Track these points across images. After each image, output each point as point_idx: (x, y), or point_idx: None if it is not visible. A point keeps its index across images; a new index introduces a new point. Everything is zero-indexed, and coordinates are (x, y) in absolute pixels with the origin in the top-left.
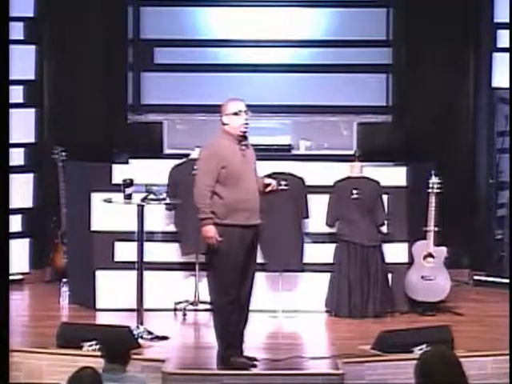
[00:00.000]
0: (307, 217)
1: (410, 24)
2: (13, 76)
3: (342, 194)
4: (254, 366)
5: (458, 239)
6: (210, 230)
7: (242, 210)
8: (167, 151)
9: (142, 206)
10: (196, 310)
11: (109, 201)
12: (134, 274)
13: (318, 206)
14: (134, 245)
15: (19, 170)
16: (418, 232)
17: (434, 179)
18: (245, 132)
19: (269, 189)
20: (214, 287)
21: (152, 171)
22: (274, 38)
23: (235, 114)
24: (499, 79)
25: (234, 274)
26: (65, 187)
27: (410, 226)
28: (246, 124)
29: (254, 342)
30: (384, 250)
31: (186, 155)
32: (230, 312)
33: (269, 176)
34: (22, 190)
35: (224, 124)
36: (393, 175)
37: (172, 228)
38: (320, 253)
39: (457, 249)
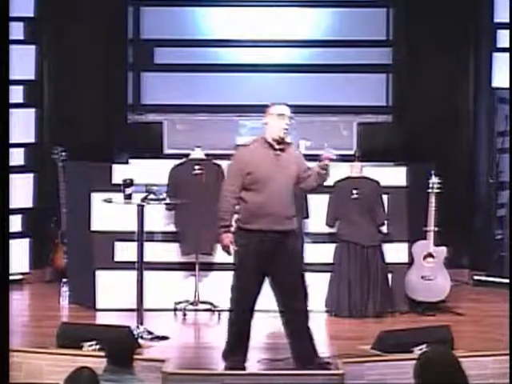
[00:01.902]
0: (307, 217)
1: (410, 24)
2: (13, 76)
3: (341, 194)
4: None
5: (457, 239)
6: (225, 239)
7: (264, 216)
8: (167, 151)
9: (142, 205)
10: (196, 310)
11: (109, 201)
12: (134, 274)
13: (318, 206)
14: (134, 245)
15: (19, 169)
16: (418, 232)
17: (434, 179)
18: (283, 136)
19: (325, 162)
20: (232, 289)
21: (152, 171)
22: (274, 38)
23: (278, 115)
24: (499, 79)
25: (248, 280)
26: (65, 187)
27: (410, 225)
28: (286, 129)
29: (254, 342)
30: (384, 250)
31: (186, 155)
32: (238, 315)
33: None
34: (22, 190)
35: (265, 126)
36: (393, 175)
37: (172, 228)
38: (320, 253)
39: (457, 249)
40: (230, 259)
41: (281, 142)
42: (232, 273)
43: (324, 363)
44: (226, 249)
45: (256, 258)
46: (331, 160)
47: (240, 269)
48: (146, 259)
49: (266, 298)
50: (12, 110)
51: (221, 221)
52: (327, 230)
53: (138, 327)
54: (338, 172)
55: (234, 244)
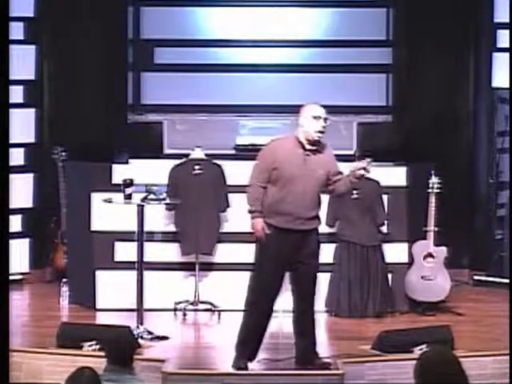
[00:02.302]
0: None
1: (410, 24)
2: (13, 76)
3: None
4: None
5: (458, 239)
6: (257, 224)
7: (282, 213)
8: (167, 151)
9: (142, 205)
10: (196, 310)
11: (109, 201)
12: (134, 273)
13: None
14: (134, 245)
15: (19, 169)
16: (418, 232)
17: (434, 179)
18: (318, 138)
19: (361, 172)
20: (249, 284)
21: (152, 171)
22: (274, 38)
23: (314, 117)
24: (499, 79)
25: (266, 275)
26: (65, 187)
27: (410, 225)
28: (322, 131)
29: None
30: (384, 250)
31: (186, 155)
32: (250, 312)
33: None
34: (22, 190)
35: (299, 125)
36: (393, 175)
37: (172, 228)
38: (320, 253)
39: (457, 249)
40: (230, 259)
41: (314, 143)
42: (250, 271)
43: (325, 364)
44: (258, 233)
45: (274, 255)
46: (367, 171)
47: (260, 264)
48: (146, 259)
49: None
50: (12, 110)
51: (250, 206)
52: (327, 229)
53: (138, 327)
54: None
55: (265, 228)
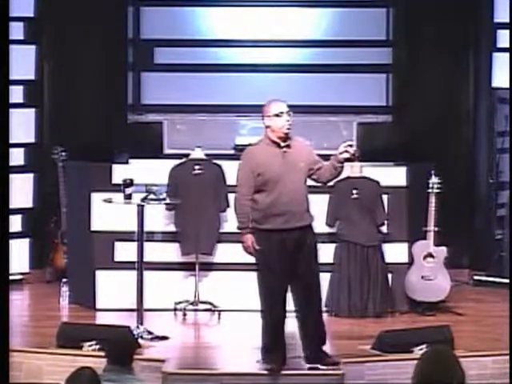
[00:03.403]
0: None
1: (410, 24)
2: (13, 76)
3: (341, 193)
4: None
5: (458, 239)
6: (247, 240)
7: (278, 215)
8: (167, 151)
9: (142, 205)
10: (196, 310)
11: (109, 201)
12: (134, 273)
13: (318, 205)
14: (134, 245)
15: (19, 169)
16: (418, 232)
17: (434, 179)
18: (287, 133)
19: (344, 156)
20: (259, 291)
21: (152, 171)
22: (274, 38)
23: (276, 115)
24: (499, 79)
25: (274, 279)
26: (65, 187)
27: (410, 225)
28: (289, 125)
29: (254, 342)
30: (384, 250)
31: (186, 155)
32: (270, 316)
33: None
34: (22, 190)
35: (266, 126)
36: (393, 175)
37: (172, 228)
38: (320, 253)
39: (457, 249)
40: (230, 259)
41: (286, 138)
42: (256, 275)
43: (335, 362)
44: (248, 249)
45: (278, 258)
46: (352, 155)
47: (264, 270)
48: (146, 259)
49: None
50: (12, 110)
51: (239, 223)
52: (327, 229)
53: (138, 327)
54: None
55: (255, 244)
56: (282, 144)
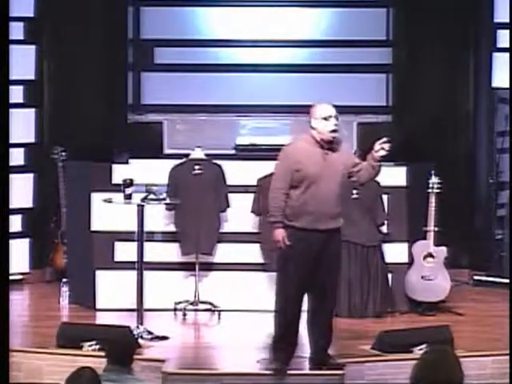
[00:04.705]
0: None
1: (410, 24)
2: (13, 76)
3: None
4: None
5: (458, 239)
6: (278, 234)
7: (307, 214)
8: (167, 151)
9: (142, 205)
10: (196, 310)
11: (109, 201)
12: (134, 274)
13: None
14: (133, 245)
15: (19, 169)
16: (418, 232)
17: (434, 179)
18: (334, 136)
19: (380, 153)
20: (277, 289)
21: (152, 171)
22: (274, 38)
23: (325, 118)
24: (499, 79)
25: (294, 278)
26: (65, 187)
27: (410, 225)
28: (335, 130)
29: (254, 341)
30: (384, 250)
31: (186, 155)
32: (285, 314)
33: None
34: (22, 190)
35: (312, 128)
36: (393, 175)
37: (172, 228)
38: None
39: (457, 249)
40: (230, 259)
41: (329, 142)
42: (276, 273)
43: (339, 364)
44: (279, 244)
45: (301, 257)
46: (387, 151)
47: (285, 267)
48: (146, 259)
49: (266, 298)
50: (12, 110)
51: (271, 217)
52: None
53: (138, 327)
54: None
55: (285, 239)
56: (325, 146)
